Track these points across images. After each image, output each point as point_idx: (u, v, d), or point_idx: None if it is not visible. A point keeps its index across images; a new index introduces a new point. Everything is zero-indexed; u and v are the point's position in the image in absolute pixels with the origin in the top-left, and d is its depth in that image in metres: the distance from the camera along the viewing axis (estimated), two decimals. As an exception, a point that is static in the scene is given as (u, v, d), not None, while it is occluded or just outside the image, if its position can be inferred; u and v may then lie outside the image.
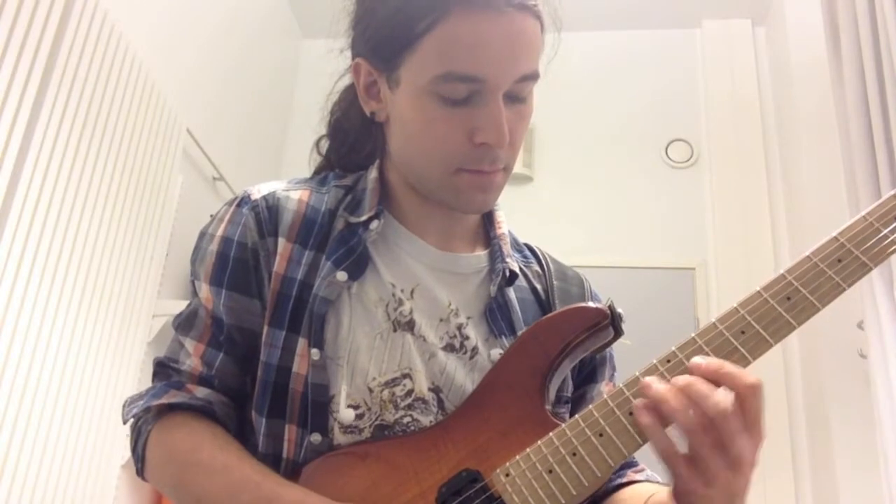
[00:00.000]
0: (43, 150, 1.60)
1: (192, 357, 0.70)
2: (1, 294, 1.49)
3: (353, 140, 0.80)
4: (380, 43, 0.66)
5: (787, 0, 2.83)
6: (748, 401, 0.53)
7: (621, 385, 0.59)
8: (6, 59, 1.50)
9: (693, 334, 0.59)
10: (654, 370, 0.58)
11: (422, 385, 0.67)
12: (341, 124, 0.81)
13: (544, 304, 0.77)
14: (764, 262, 2.72)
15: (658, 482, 0.73)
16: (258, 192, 0.73)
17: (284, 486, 0.61)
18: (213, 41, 2.61)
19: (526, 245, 0.84)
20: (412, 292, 0.70)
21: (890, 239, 0.59)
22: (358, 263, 0.69)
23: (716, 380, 0.54)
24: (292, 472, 0.65)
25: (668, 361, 0.58)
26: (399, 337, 0.68)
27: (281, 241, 0.70)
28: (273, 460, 0.66)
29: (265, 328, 0.68)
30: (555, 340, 0.65)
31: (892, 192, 0.61)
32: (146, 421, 0.70)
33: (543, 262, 0.82)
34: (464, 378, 0.69)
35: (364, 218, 0.71)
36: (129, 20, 1.99)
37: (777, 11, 2.94)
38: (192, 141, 2.38)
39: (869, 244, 0.59)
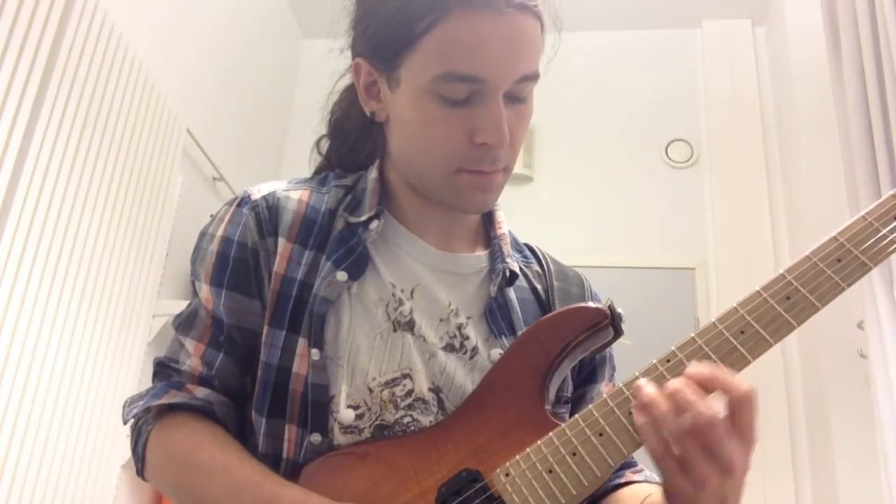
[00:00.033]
0: (43, 150, 1.60)
1: (192, 357, 0.70)
2: (1, 294, 1.49)
3: (353, 140, 0.80)
4: (380, 43, 0.66)
5: (787, 0, 2.83)
6: (740, 408, 0.53)
7: (621, 385, 0.59)
8: (6, 59, 1.50)
9: (693, 334, 0.59)
10: (653, 370, 0.58)
11: (422, 385, 0.67)
12: (341, 124, 0.81)
13: (544, 304, 0.77)
14: (764, 262, 2.72)
15: (656, 482, 0.73)
16: (258, 192, 0.73)
17: (284, 487, 0.61)
18: (213, 41, 2.61)
19: (526, 245, 0.84)
20: (412, 292, 0.70)
21: (889, 238, 0.59)
22: (358, 263, 0.69)
23: (708, 386, 0.54)
24: (292, 472, 0.65)
25: (668, 361, 0.58)
26: (399, 337, 0.68)
27: (281, 241, 0.70)
28: (273, 460, 0.66)
29: (265, 328, 0.68)
30: (555, 340, 0.65)
31: (891, 192, 0.61)
32: (146, 421, 0.70)
33: (543, 262, 0.82)
34: (464, 378, 0.69)
35: (364, 218, 0.71)
36: (129, 20, 1.99)
37: (777, 11, 2.94)
38: (192, 141, 2.38)
39: (868, 244, 0.59)
